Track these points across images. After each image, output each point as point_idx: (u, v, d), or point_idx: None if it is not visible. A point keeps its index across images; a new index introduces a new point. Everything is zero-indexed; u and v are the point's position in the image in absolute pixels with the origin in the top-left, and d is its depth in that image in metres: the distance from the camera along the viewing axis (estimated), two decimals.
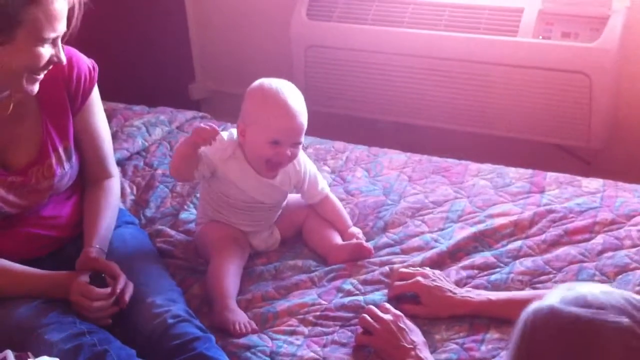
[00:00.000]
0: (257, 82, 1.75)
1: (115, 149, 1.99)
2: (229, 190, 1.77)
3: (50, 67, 1.51)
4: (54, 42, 1.48)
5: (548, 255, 1.73)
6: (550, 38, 2.42)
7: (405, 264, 1.73)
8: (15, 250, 1.60)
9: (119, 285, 1.56)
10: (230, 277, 1.68)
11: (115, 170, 1.81)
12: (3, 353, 1.32)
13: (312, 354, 1.53)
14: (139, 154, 2.25)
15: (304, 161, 1.83)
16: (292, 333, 1.59)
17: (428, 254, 1.76)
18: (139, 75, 2.98)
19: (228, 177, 1.75)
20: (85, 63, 1.68)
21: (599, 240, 1.76)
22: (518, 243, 1.78)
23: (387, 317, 1.52)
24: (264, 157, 1.71)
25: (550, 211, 1.86)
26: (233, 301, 1.64)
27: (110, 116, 2.22)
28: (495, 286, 1.66)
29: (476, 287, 1.66)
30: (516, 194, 1.96)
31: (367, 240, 1.83)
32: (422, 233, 1.85)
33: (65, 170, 1.65)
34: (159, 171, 2.15)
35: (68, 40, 1.54)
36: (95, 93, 1.72)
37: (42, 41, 1.45)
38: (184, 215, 1.98)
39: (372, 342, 1.52)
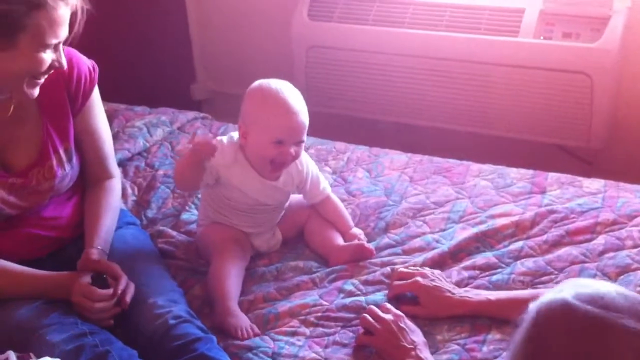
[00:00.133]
0: (256, 83, 1.75)
1: (116, 150, 1.99)
2: (231, 193, 1.77)
3: (51, 71, 1.51)
4: (55, 48, 1.48)
5: (549, 256, 1.73)
6: (552, 38, 2.42)
7: (406, 264, 1.73)
8: (15, 251, 1.60)
9: (120, 286, 1.56)
10: (232, 278, 1.68)
11: (116, 170, 1.81)
12: (5, 354, 1.32)
13: (313, 355, 1.53)
14: (140, 154, 2.25)
15: (306, 161, 1.83)
16: (294, 334, 1.59)
17: (429, 254, 1.76)
18: (140, 75, 2.98)
19: (231, 182, 1.75)
20: (86, 64, 1.68)
21: (600, 240, 1.76)
22: (519, 243, 1.78)
23: (388, 317, 1.52)
24: (267, 157, 1.71)
25: (552, 212, 1.86)
26: (235, 304, 1.64)
27: (111, 117, 2.22)
28: (496, 287, 1.66)
29: (477, 287, 1.66)
30: (517, 195, 1.96)
31: (368, 241, 1.83)
32: (424, 234, 1.85)
33: (66, 171, 1.65)
34: (160, 172, 2.15)
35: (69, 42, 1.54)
36: (96, 94, 1.72)
37: (44, 47, 1.45)
38: (185, 216, 1.98)
39: (373, 342, 1.52)
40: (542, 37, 2.43)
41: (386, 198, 1.99)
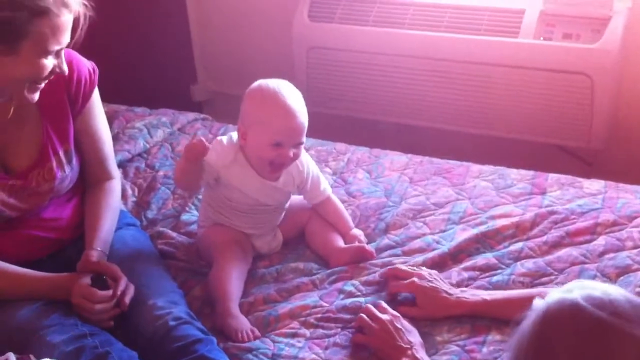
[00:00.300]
0: (255, 84, 1.74)
1: (116, 151, 1.99)
2: (232, 194, 1.76)
3: (52, 76, 1.51)
4: (57, 54, 1.48)
5: (549, 257, 1.73)
6: (552, 39, 2.42)
7: (406, 264, 1.73)
8: (15, 252, 1.61)
9: (120, 287, 1.56)
10: (233, 280, 1.68)
11: (116, 172, 1.82)
12: (5, 355, 1.32)
13: (313, 356, 1.53)
14: (140, 155, 2.25)
15: (307, 162, 1.83)
16: (294, 335, 1.59)
17: (429, 255, 1.76)
18: (140, 77, 2.99)
19: (231, 182, 1.74)
20: (86, 65, 1.68)
21: (600, 241, 1.76)
22: (519, 244, 1.78)
23: (385, 317, 1.52)
24: (266, 159, 1.71)
25: (552, 212, 1.86)
26: (235, 306, 1.64)
27: (111, 118, 2.22)
28: (496, 287, 1.66)
29: (477, 288, 1.66)
30: (518, 196, 1.96)
31: (368, 242, 1.84)
32: (424, 235, 1.85)
33: (66, 173, 1.65)
34: (161, 173, 2.15)
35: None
36: (96, 95, 1.72)
37: (46, 53, 1.45)
38: (185, 217, 1.98)
39: (369, 341, 1.53)
40: (542, 38, 2.43)
41: (386, 199, 1.99)
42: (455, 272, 1.71)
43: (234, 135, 1.77)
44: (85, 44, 1.56)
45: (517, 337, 1.01)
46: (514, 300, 1.54)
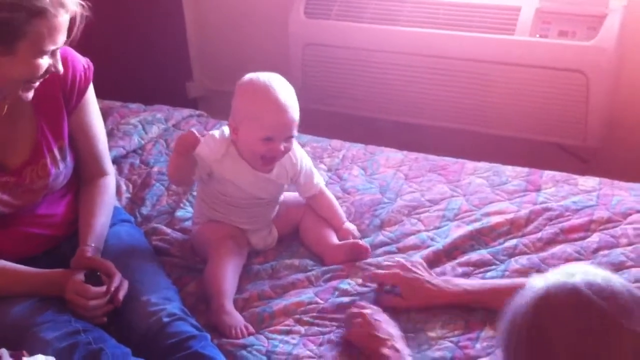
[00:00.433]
0: (246, 78, 1.74)
1: (111, 147, 1.99)
2: (226, 189, 1.76)
3: (47, 75, 1.51)
4: (52, 53, 1.48)
5: (544, 254, 1.74)
6: (548, 36, 2.42)
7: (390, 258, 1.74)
8: (9, 249, 1.60)
9: (114, 283, 1.56)
10: (228, 276, 1.68)
11: (110, 168, 1.81)
12: None
13: (307, 353, 1.53)
14: (135, 151, 2.25)
15: (301, 155, 1.83)
16: (288, 332, 1.59)
17: (424, 252, 1.76)
18: (136, 73, 2.98)
19: (224, 176, 1.74)
20: (80, 62, 1.67)
21: (594, 238, 1.77)
22: (514, 241, 1.78)
23: (366, 310, 1.55)
24: (258, 153, 1.71)
25: (547, 209, 1.86)
26: (230, 302, 1.64)
27: (106, 114, 2.22)
28: None
29: None
30: (512, 192, 1.96)
31: (362, 238, 1.83)
32: (419, 231, 1.85)
33: (60, 169, 1.65)
34: (155, 169, 2.15)
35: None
36: (91, 92, 1.72)
37: (42, 53, 1.45)
38: (180, 213, 1.98)
39: (351, 334, 1.54)
40: (538, 35, 2.43)
41: (381, 196, 1.99)
42: (450, 267, 1.71)
43: (226, 129, 1.77)
44: (80, 41, 1.56)
45: (511, 315, 1.01)
46: (496, 289, 1.56)
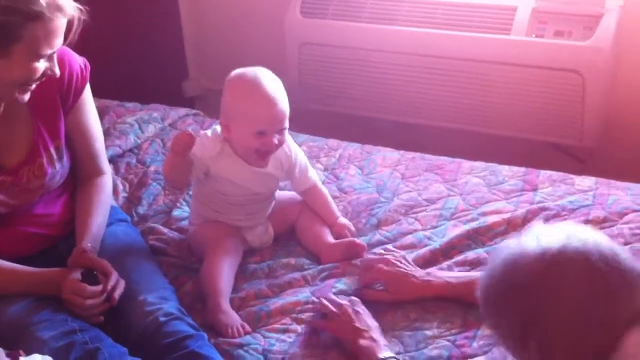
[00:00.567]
0: (233, 75, 1.74)
1: (107, 146, 1.98)
2: (223, 186, 1.76)
3: (44, 78, 1.51)
4: (49, 57, 1.48)
5: None
6: (544, 36, 2.42)
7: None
8: (6, 248, 1.60)
9: (111, 282, 1.56)
10: (224, 276, 1.68)
11: (107, 167, 1.81)
12: None
13: (304, 352, 1.53)
14: (131, 151, 2.24)
15: (295, 148, 1.84)
16: (285, 331, 1.59)
17: (421, 251, 1.76)
18: (132, 72, 2.97)
19: (221, 174, 1.74)
20: (77, 62, 1.67)
21: None
22: None
23: (344, 301, 1.57)
24: (252, 148, 1.71)
25: (543, 209, 1.87)
26: (226, 301, 1.64)
27: (102, 113, 2.21)
28: None
29: None
30: (509, 192, 1.97)
31: (359, 237, 1.83)
32: (415, 231, 1.85)
33: (57, 169, 1.65)
34: (152, 168, 2.15)
35: None
36: (87, 91, 1.71)
37: (38, 57, 1.45)
38: (176, 213, 1.97)
39: (328, 325, 1.56)
40: (534, 35, 2.43)
41: (378, 195, 2.00)
42: (446, 267, 1.72)
43: (218, 128, 1.77)
44: (76, 40, 1.56)
45: (507, 261, 1.05)
46: (477, 282, 1.56)
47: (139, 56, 3.01)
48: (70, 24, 1.47)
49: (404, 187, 2.02)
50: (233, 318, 1.60)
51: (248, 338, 1.56)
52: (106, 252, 1.66)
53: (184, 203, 2.00)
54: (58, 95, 1.64)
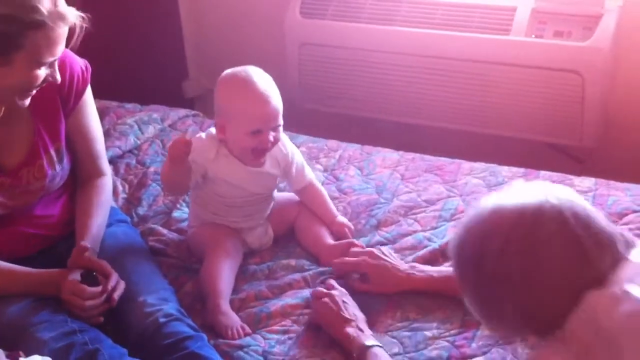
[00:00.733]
0: (224, 75, 1.75)
1: (107, 147, 1.98)
2: (221, 188, 1.76)
3: (44, 84, 1.51)
4: (50, 64, 1.48)
5: None
6: (543, 37, 2.42)
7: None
8: (6, 249, 1.60)
9: (111, 283, 1.56)
10: (224, 277, 1.68)
11: (107, 168, 1.81)
12: None
13: (304, 352, 1.53)
14: (131, 152, 2.24)
15: (291, 146, 1.84)
16: (285, 332, 1.59)
17: (420, 252, 1.76)
18: (132, 72, 2.97)
19: (219, 176, 1.75)
20: (78, 64, 1.67)
21: None
22: None
23: (334, 292, 1.59)
24: (248, 147, 1.71)
25: None
26: (226, 302, 1.64)
27: (102, 114, 2.21)
28: None
29: None
30: None
31: (359, 238, 1.84)
32: (415, 232, 1.85)
33: (57, 171, 1.65)
34: (151, 169, 2.15)
35: None
36: (88, 93, 1.72)
37: (39, 65, 1.45)
38: (176, 214, 1.97)
39: (317, 313, 1.58)
40: (533, 36, 2.43)
41: (377, 196, 2.00)
42: (445, 266, 1.71)
43: (212, 130, 1.77)
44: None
45: (483, 219, 1.10)
46: None
47: (139, 56, 3.01)
48: (72, 30, 1.47)
49: (404, 187, 2.02)
50: (233, 319, 1.60)
51: (248, 339, 1.56)
52: (106, 253, 1.66)
53: (183, 204, 2.01)
54: (59, 98, 1.64)
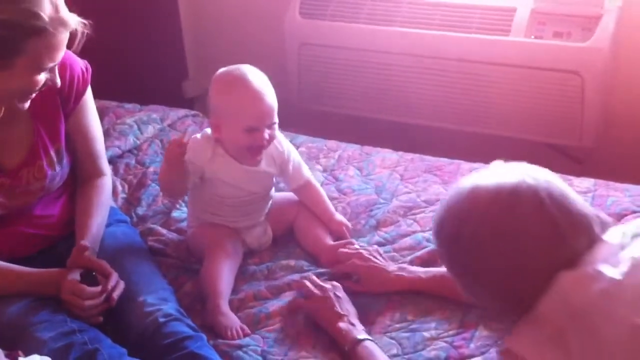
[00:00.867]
0: (218, 73, 1.75)
1: (106, 147, 1.98)
2: (218, 189, 1.77)
3: (44, 88, 1.51)
4: (51, 68, 1.48)
5: None
6: (543, 37, 2.42)
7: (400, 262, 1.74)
8: (5, 249, 1.60)
9: (111, 283, 1.56)
10: (224, 277, 1.68)
11: (107, 168, 1.81)
12: None
13: (303, 353, 1.53)
14: (130, 152, 2.25)
15: (287, 144, 1.85)
16: (284, 332, 1.59)
17: (419, 253, 1.76)
18: (131, 72, 2.97)
19: (216, 176, 1.75)
20: (79, 65, 1.67)
21: None
22: None
23: (327, 285, 1.61)
24: (244, 145, 1.71)
25: None
26: (225, 303, 1.64)
27: (102, 114, 2.21)
28: None
29: None
30: None
31: (358, 239, 1.84)
32: (414, 232, 1.85)
33: (57, 171, 1.65)
34: (151, 169, 2.15)
35: None
36: (89, 93, 1.72)
37: (40, 70, 1.46)
38: (175, 214, 1.98)
39: (308, 305, 1.60)
40: (533, 37, 2.43)
41: (377, 196, 2.00)
42: (444, 268, 1.72)
43: (208, 130, 1.78)
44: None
45: (461, 197, 1.12)
46: (448, 277, 1.59)
47: (139, 56, 3.01)
48: (73, 35, 1.48)
49: (403, 188, 2.02)
50: (232, 320, 1.60)
51: (247, 339, 1.56)
52: (105, 252, 1.66)
53: (182, 204, 2.00)
54: (59, 98, 1.65)
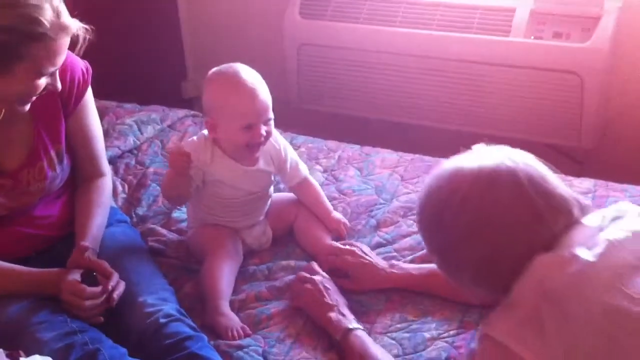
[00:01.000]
0: (211, 73, 1.75)
1: (106, 147, 1.98)
2: (218, 189, 1.77)
3: (44, 92, 1.51)
4: (51, 73, 1.48)
5: None
6: (542, 38, 2.43)
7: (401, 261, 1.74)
8: (5, 250, 1.60)
9: (111, 283, 1.56)
10: (224, 278, 1.68)
11: (107, 169, 1.81)
12: None
13: (304, 354, 1.53)
14: (130, 152, 2.24)
15: (283, 142, 1.85)
16: (285, 333, 1.59)
17: (419, 253, 1.76)
18: (130, 73, 2.97)
19: (216, 177, 1.75)
20: (79, 66, 1.67)
21: None
22: None
23: (316, 277, 1.62)
24: (241, 143, 1.72)
25: None
26: (226, 303, 1.64)
27: (101, 114, 2.21)
28: None
29: None
30: None
31: (358, 239, 1.84)
32: (414, 233, 1.85)
33: (57, 172, 1.65)
34: (151, 169, 2.15)
35: None
36: (89, 94, 1.72)
37: (40, 75, 1.46)
38: (176, 214, 1.98)
39: (299, 298, 1.61)
40: (532, 37, 2.43)
41: (377, 197, 2.00)
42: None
43: (205, 132, 1.78)
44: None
45: (442, 179, 1.14)
46: (439, 273, 1.60)
47: (138, 57, 3.01)
48: (74, 40, 1.48)
49: (403, 188, 2.02)
50: (233, 320, 1.60)
51: (248, 340, 1.56)
52: (105, 253, 1.66)
53: (183, 205, 2.00)
54: (59, 100, 1.64)
